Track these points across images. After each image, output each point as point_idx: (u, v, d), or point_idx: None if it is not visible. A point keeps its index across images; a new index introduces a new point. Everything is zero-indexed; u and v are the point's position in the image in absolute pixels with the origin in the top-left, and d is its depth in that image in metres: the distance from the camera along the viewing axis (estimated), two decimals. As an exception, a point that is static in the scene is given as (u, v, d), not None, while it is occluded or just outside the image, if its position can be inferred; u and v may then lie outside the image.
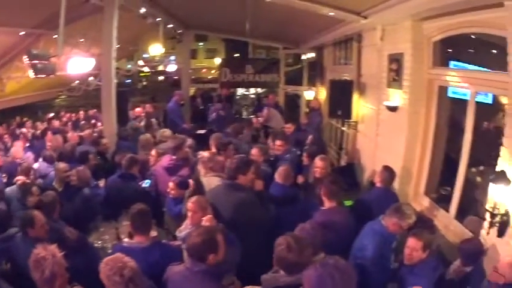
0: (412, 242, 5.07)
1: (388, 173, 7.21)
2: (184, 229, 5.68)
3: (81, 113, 19.51)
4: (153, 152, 8.85)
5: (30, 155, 10.74)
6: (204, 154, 7.84)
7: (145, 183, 8.11)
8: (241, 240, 5.15)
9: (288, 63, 23.27)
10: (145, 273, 4.44)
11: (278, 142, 8.96)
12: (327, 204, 6.04)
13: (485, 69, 6.97)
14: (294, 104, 20.16)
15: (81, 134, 12.54)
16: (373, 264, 5.22)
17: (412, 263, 5.08)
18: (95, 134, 12.00)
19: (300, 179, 7.91)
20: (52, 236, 5.52)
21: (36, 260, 4.17)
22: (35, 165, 9.61)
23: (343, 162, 12.63)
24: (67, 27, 9.09)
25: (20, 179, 7.95)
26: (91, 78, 17.76)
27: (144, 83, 47.94)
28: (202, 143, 10.80)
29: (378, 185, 7.19)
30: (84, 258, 5.29)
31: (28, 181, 7.92)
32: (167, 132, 11.04)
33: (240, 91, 26.78)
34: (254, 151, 8.41)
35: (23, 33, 10.75)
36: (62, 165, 8.31)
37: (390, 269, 5.39)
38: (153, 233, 6.07)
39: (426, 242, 5.07)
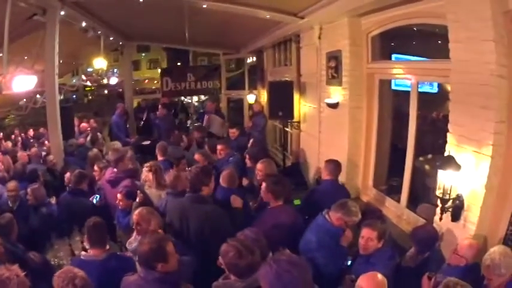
0: (366, 232, 5.00)
1: (333, 164, 7.06)
2: (134, 241, 5.50)
3: (30, 131, 18.75)
4: (96, 167, 8.60)
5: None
6: (151, 165, 7.51)
7: (95, 198, 7.81)
8: (208, 252, 4.92)
9: (231, 69, 23.13)
10: (104, 285, 4.52)
11: (220, 146, 8.82)
12: (273, 203, 5.90)
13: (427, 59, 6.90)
14: (240, 108, 19.92)
15: (29, 152, 12.09)
16: (320, 257, 5.08)
17: (368, 252, 4.99)
18: (44, 152, 11.52)
19: (245, 181, 7.78)
20: (11, 258, 5.23)
21: (1, 281, 4.00)
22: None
23: (288, 163, 12.45)
24: (11, 45, 8.69)
25: None
26: (38, 96, 17.15)
27: (90, 98, 47.11)
28: (147, 154, 10.52)
29: (326, 178, 7.00)
30: (48, 281, 4.93)
31: None
32: (117, 144, 10.94)
33: (186, 99, 26.50)
34: (197, 156, 8.40)
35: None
36: (11, 184, 8.02)
37: (340, 261, 5.26)
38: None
39: (380, 231, 5.01)
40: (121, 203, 6.68)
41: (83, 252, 5.18)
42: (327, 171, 6.99)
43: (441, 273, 4.53)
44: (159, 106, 15.50)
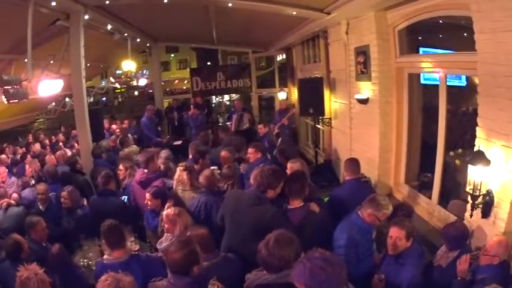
0: (395, 232, 4.92)
1: (352, 163, 6.99)
2: (165, 240, 5.63)
3: (60, 135, 19.12)
4: (121, 167, 8.66)
5: (15, 180, 10.42)
6: (186, 165, 7.61)
7: (124, 199, 8.02)
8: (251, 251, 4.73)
9: (261, 67, 23.24)
10: None
11: (250, 149, 8.59)
12: (291, 204, 5.78)
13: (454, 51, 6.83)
14: (271, 107, 20.03)
15: (56, 156, 12.20)
16: (346, 253, 5.06)
17: (397, 252, 4.92)
18: (69, 154, 11.73)
19: None
20: (34, 256, 5.66)
21: (22, 282, 4.29)
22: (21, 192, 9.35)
23: (321, 160, 12.45)
24: (36, 49, 8.94)
25: (4, 201, 7.87)
26: (67, 99, 17.47)
27: (120, 100, 47.74)
28: (179, 153, 10.63)
29: (347, 177, 6.96)
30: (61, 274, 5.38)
31: (13, 202, 7.97)
32: (133, 147, 11.22)
33: (217, 98, 26.81)
34: (223, 153, 8.45)
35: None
36: (41, 187, 8.25)
37: (368, 259, 5.28)
38: (136, 247, 6.17)
39: (409, 230, 4.91)
40: (149, 202, 6.75)
41: (105, 256, 5.26)
42: (348, 171, 6.94)
43: (472, 272, 4.53)
44: (191, 106, 15.68)
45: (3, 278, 5.44)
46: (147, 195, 6.77)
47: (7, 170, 11.51)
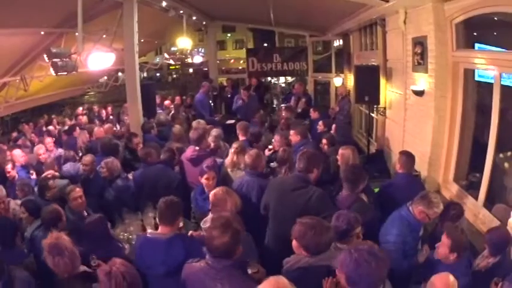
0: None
1: (406, 157, 7.00)
2: (210, 219, 5.61)
3: (109, 108, 19.73)
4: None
5: (61, 152, 10.74)
6: (239, 146, 7.79)
7: None
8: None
9: (318, 51, 23.22)
10: (167, 264, 4.69)
11: (291, 132, 8.81)
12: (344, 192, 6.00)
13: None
14: (326, 91, 20.07)
15: (103, 128, 12.49)
16: (394, 249, 5.15)
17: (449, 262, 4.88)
18: (123, 129, 12.00)
19: None
20: (71, 225, 5.96)
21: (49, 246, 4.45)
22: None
23: (373, 149, 12.45)
24: (88, 23, 9.18)
25: (50, 173, 8.18)
26: (120, 74, 17.91)
27: (174, 76, 48.57)
28: (231, 133, 10.81)
29: (399, 171, 6.99)
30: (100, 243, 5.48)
31: (56, 174, 8.23)
32: (202, 122, 11.13)
33: (273, 80, 27.01)
34: (276, 137, 8.68)
35: (43, 32, 10.80)
36: (87, 158, 8.48)
37: (413, 257, 5.29)
38: (180, 224, 6.09)
39: None
40: (205, 180, 6.66)
41: (149, 230, 5.42)
42: (399, 164, 6.98)
43: (509, 281, 4.51)
44: (241, 90, 15.74)
45: (35, 247, 5.70)
46: (205, 170, 6.71)
47: (54, 140, 12.03)
